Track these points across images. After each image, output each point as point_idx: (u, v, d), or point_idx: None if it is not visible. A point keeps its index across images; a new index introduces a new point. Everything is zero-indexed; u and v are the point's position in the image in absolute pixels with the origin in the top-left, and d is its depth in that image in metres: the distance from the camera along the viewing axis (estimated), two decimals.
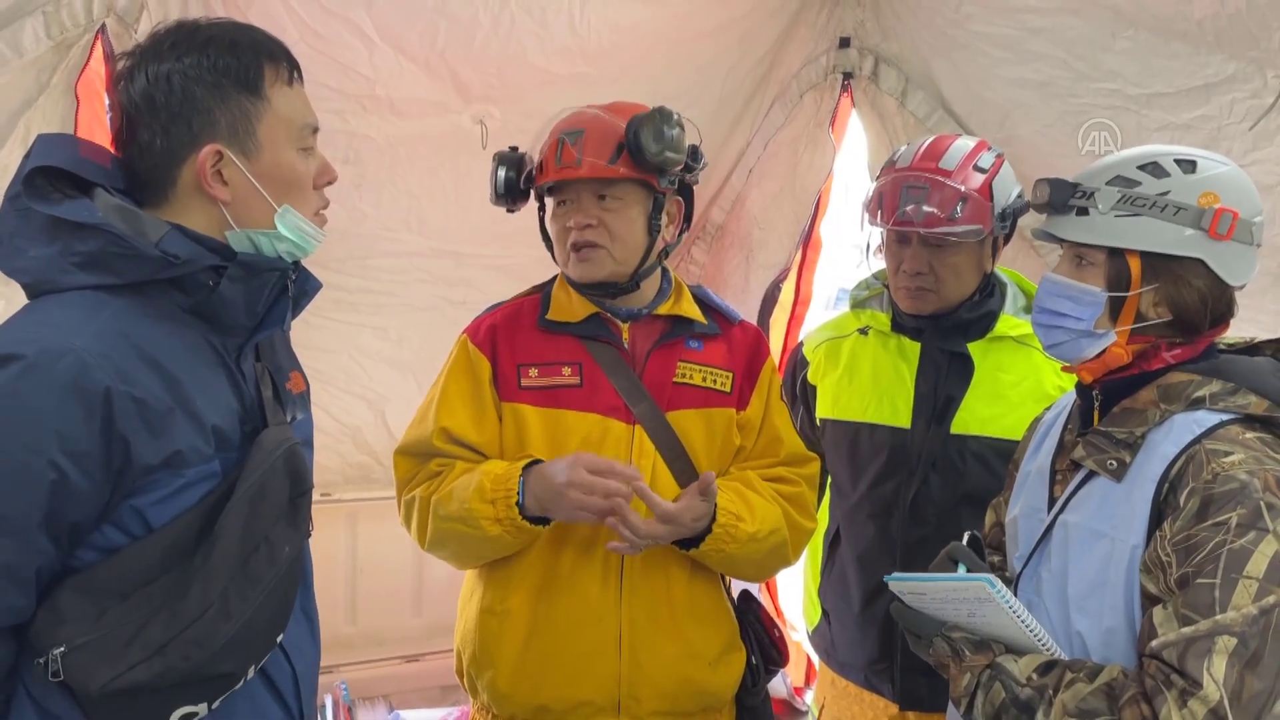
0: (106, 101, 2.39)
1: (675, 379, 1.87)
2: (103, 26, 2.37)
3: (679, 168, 1.82)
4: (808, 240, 3.33)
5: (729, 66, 3.09)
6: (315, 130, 1.43)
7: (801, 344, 2.32)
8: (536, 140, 1.91)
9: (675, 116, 1.81)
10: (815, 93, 3.15)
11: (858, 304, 2.25)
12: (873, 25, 3.02)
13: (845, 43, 3.06)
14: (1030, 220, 2.27)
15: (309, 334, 3.20)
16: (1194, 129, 2.52)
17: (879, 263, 2.19)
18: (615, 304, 1.89)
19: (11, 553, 1.17)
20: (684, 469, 1.85)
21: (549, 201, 1.91)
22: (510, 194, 1.90)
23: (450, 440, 1.83)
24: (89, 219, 1.25)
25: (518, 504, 1.72)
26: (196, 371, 1.30)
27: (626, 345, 1.88)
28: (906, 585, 1.53)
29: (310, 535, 1.48)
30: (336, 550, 3.53)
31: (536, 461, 1.77)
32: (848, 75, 3.09)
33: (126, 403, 1.20)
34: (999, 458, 2.01)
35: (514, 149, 1.92)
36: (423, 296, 3.36)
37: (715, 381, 1.89)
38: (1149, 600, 1.34)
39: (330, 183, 1.46)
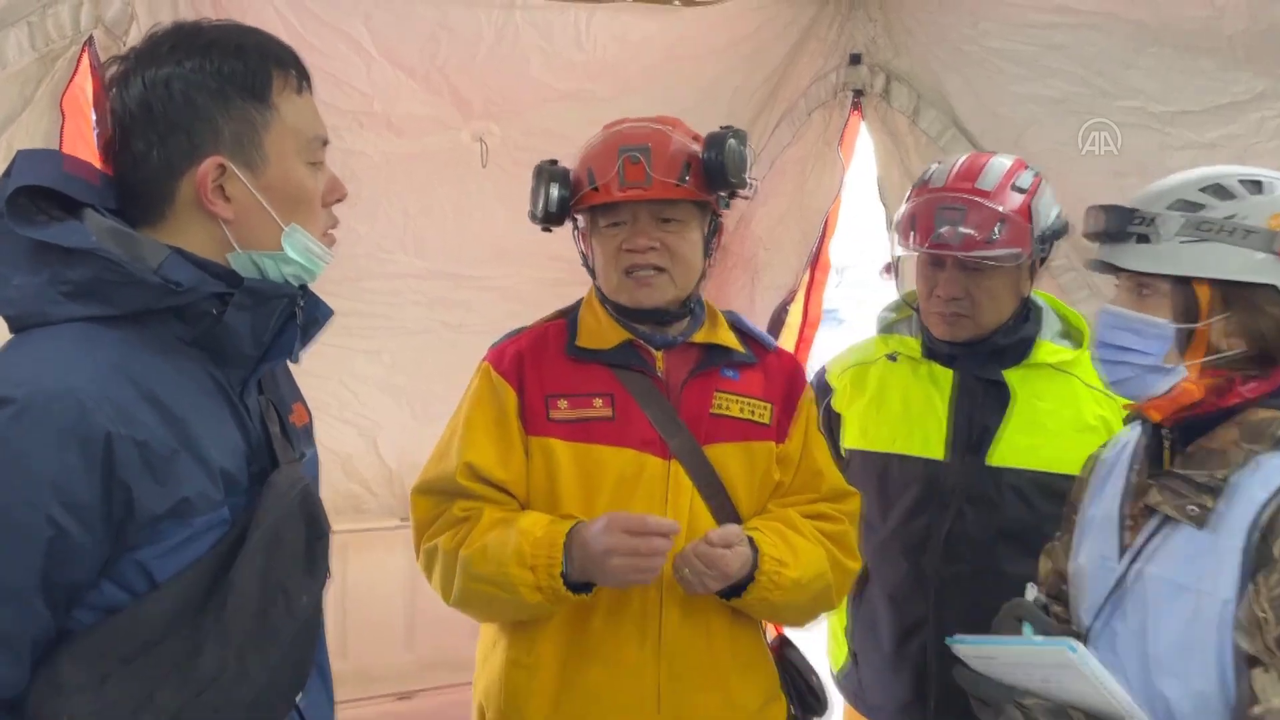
0: (94, 116, 2.27)
1: (712, 410, 1.78)
2: (90, 38, 2.26)
3: (746, 190, 1.75)
4: (815, 261, 3.24)
5: (736, 84, 3.01)
6: (325, 143, 1.32)
7: (825, 369, 2.22)
8: (586, 154, 1.79)
9: (747, 136, 1.74)
10: (824, 110, 3.06)
11: (885, 328, 2.16)
12: (884, 42, 2.95)
13: (856, 59, 2.99)
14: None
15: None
16: (1220, 147, 2.45)
17: (893, 282, 2.10)
18: (649, 330, 1.78)
19: (7, 621, 1.05)
20: (723, 507, 1.74)
21: (587, 219, 1.81)
22: (560, 212, 1.79)
23: (476, 478, 1.73)
24: (80, 243, 1.13)
25: (562, 573, 1.61)
26: (201, 409, 1.19)
27: (661, 374, 1.78)
28: (973, 649, 1.42)
29: (328, 582, 1.37)
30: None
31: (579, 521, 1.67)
32: (858, 92, 3.01)
33: (129, 448, 1.09)
34: (1038, 491, 1.92)
35: (554, 162, 1.81)
36: (417, 319, 3.25)
37: (754, 413, 1.80)
38: (1246, 661, 1.24)
39: (339, 199, 1.36)
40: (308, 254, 1.27)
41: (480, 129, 2.93)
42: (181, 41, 1.21)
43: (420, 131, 2.86)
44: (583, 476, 1.72)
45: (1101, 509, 1.50)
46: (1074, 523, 1.58)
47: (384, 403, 3.33)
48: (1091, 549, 1.49)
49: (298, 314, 1.30)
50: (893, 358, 2.10)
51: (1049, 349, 1.99)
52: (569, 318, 1.86)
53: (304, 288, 1.31)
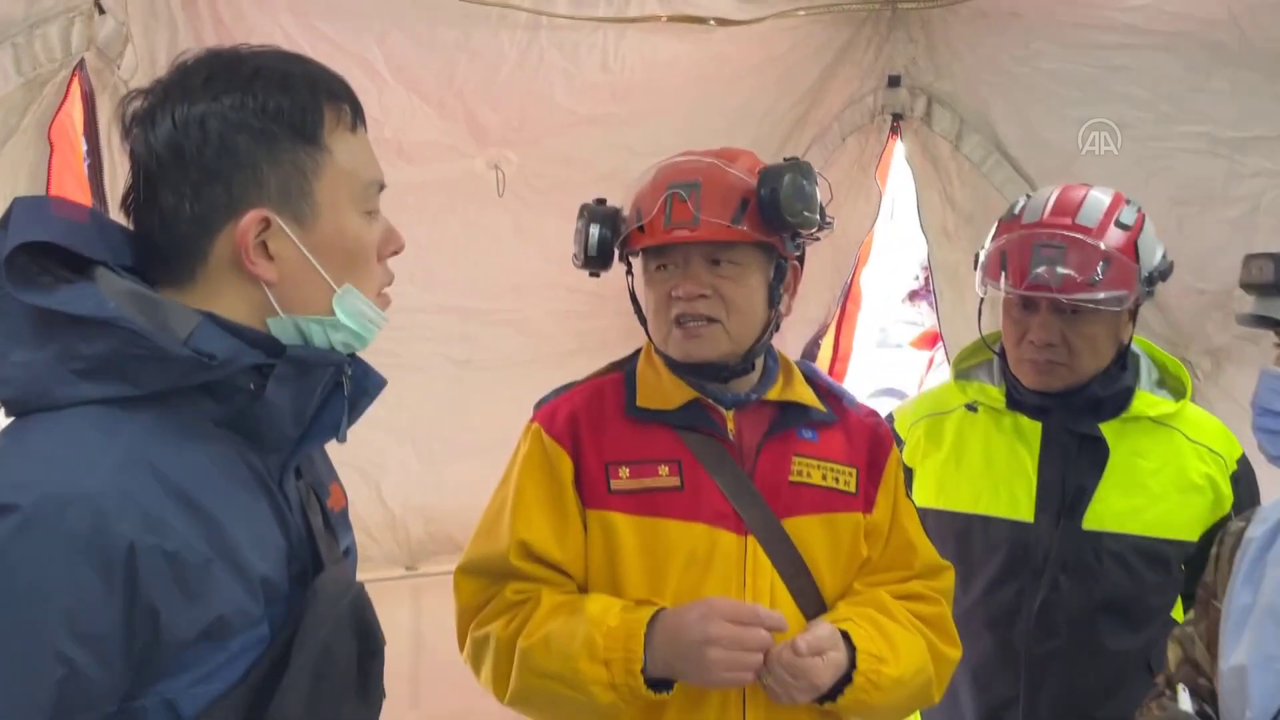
0: (85, 147, 2.07)
1: (791, 477, 1.59)
2: (81, 62, 2.05)
3: (812, 230, 1.55)
4: (847, 293, 3.08)
5: (766, 107, 2.84)
6: (382, 187, 1.13)
7: (892, 418, 2.04)
8: (635, 191, 1.61)
9: (814, 171, 1.54)
10: (859, 135, 2.90)
11: (961, 374, 1.98)
12: (925, 63, 2.79)
13: (895, 81, 2.82)
14: None
15: None
16: None
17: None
18: (718, 388, 1.59)
19: None
20: (805, 589, 1.56)
21: (639, 262, 1.63)
22: (603, 256, 1.60)
23: (530, 557, 1.53)
24: (96, 311, 0.94)
25: (642, 669, 1.42)
26: (237, 504, 1.00)
27: (732, 437, 1.59)
28: None
29: (382, 706, 1.17)
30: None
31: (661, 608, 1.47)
32: (897, 116, 2.85)
33: (156, 560, 0.89)
34: (1141, 558, 1.76)
35: (601, 201, 1.63)
36: (423, 355, 3.04)
37: (837, 480, 1.61)
38: None
39: (396, 252, 1.18)
40: (361, 318, 1.09)
41: (496, 156, 2.75)
42: (219, 72, 1.02)
43: (433, 159, 2.68)
44: (648, 555, 1.53)
45: (1263, 600, 1.32)
46: (1215, 610, 1.40)
47: (387, 444, 3.10)
48: (1257, 646, 1.30)
49: (345, 385, 1.10)
50: (972, 408, 1.92)
51: (1148, 400, 1.82)
52: (625, 371, 1.67)
53: (353, 355, 1.12)
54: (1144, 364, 1.88)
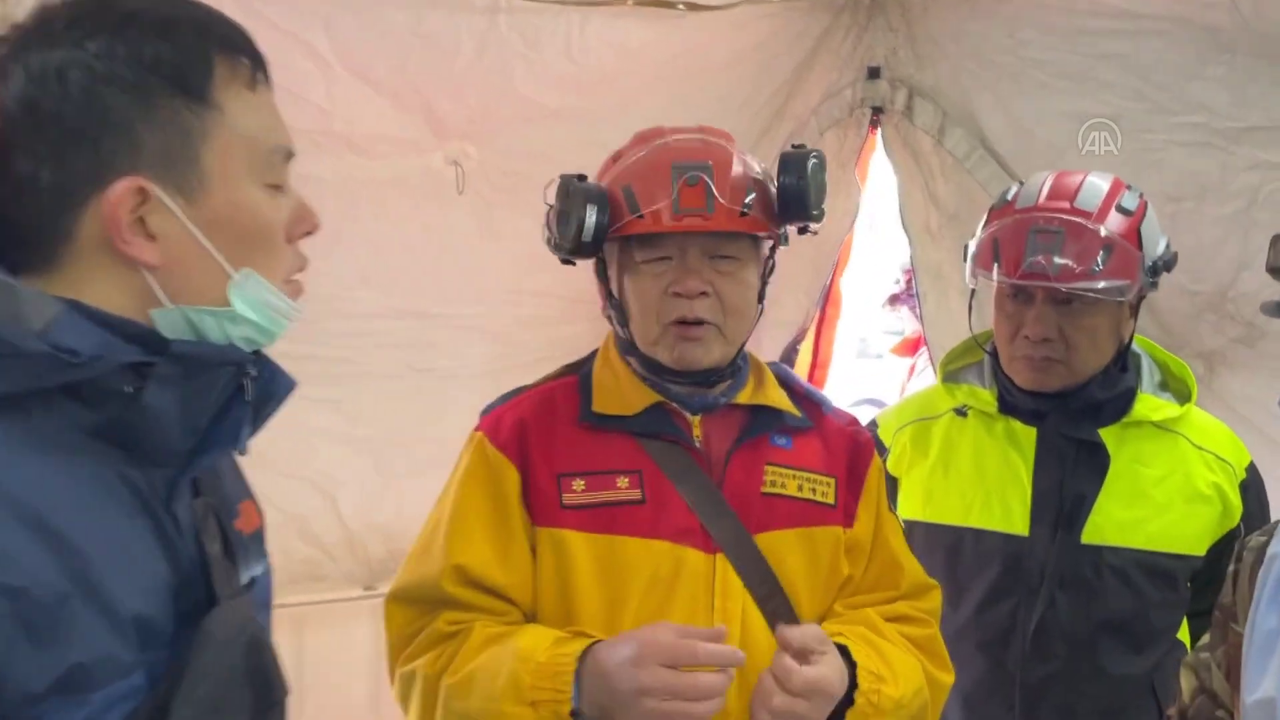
0: None
1: (764, 488, 1.44)
2: None
3: (816, 223, 1.44)
4: (826, 296, 2.94)
5: (742, 100, 2.71)
6: (289, 156, 0.98)
7: (875, 425, 1.90)
8: (623, 170, 1.45)
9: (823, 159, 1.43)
10: (838, 129, 2.77)
11: (950, 376, 1.84)
12: (907, 53, 2.67)
13: (875, 73, 2.70)
14: None
15: None
16: None
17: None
18: (684, 391, 1.45)
19: None
20: (780, 610, 1.41)
21: (615, 249, 1.46)
22: (597, 244, 1.43)
23: (467, 583, 1.38)
24: None
25: (572, 712, 1.26)
26: (107, 530, 0.84)
27: (699, 444, 1.44)
28: None
29: None
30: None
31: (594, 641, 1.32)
32: (877, 109, 2.72)
33: None
34: (1144, 574, 1.63)
35: (582, 177, 1.46)
36: (382, 363, 2.91)
37: (814, 491, 1.46)
38: None
39: (309, 233, 1.02)
40: (266, 309, 0.94)
41: (456, 151, 2.61)
42: (86, 14, 0.87)
43: (387, 154, 2.54)
44: (605, 577, 1.38)
45: None
46: (1235, 635, 1.26)
47: (344, 457, 2.98)
48: None
49: (246, 388, 0.95)
50: (961, 412, 1.79)
51: (1151, 403, 1.69)
52: (581, 374, 1.52)
53: (258, 353, 0.97)
54: (1145, 364, 1.75)
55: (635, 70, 2.56)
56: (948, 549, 1.74)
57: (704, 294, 1.38)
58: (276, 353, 3.18)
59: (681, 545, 1.39)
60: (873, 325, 4.22)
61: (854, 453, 1.52)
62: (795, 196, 1.38)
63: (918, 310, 2.88)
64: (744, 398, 1.47)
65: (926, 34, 2.63)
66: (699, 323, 1.38)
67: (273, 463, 2.77)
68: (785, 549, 1.42)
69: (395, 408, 2.89)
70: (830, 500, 1.47)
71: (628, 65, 2.54)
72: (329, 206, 2.60)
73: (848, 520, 1.48)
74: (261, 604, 1.03)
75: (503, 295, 2.82)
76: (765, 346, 2.99)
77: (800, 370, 3.00)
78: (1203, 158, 2.34)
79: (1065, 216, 1.61)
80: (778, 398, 1.49)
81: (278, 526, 3.04)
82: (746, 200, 1.36)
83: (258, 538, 1.05)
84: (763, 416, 1.47)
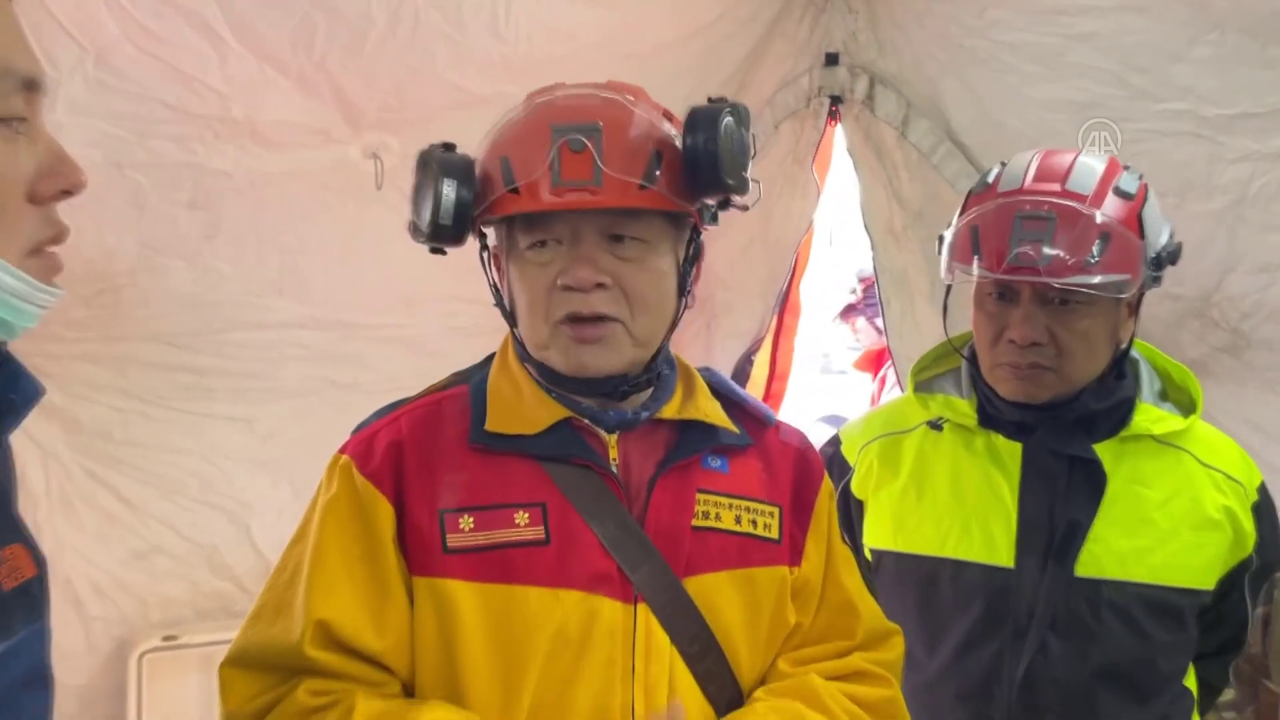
0: None
1: (695, 522, 1.20)
2: None
3: (740, 195, 1.17)
4: (784, 303, 2.73)
5: (690, 89, 2.48)
6: (33, 86, 0.74)
7: (838, 440, 1.67)
8: (500, 136, 1.22)
9: (748, 113, 1.17)
10: (794, 121, 2.56)
11: (922, 386, 1.62)
12: (867, 38, 2.47)
13: (832, 59, 2.50)
14: None
15: (147, 429, 2.55)
16: None
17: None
18: (596, 405, 1.21)
19: None
20: (716, 672, 1.17)
21: (500, 235, 1.23)
22: (459, 226, 1.19)
23: (333, 646, 1.12)
24: None
25: None
26: None
27: (615, 470, 1.20)
28: None
29: None
30: (187, 712, 2.74)
31: None
32: (835, 99, 2.51)
33: None
34: (1148, 613, 1.42)
35: (449, 146, 1.23)
36: (298, 378, 2.70)
37: (755, 524, 1.22)
38: None
39: (69, 192, 0.78)
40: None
41: (374, 143, 2.39)
42: None
43: (296, 144, 2.31)
44: (499, 637, 1.13)
45: None
46: (1270, 694, 1.04)
47: (258, 481, 2.77)
48: None
49: None
50: (936, 426, 1.57)
51: (1152, 415, 1.48)
52: (473, 384, 1.27)
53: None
54: (1144, 371, 1.54)
55: (569, 55, 2.34)
56: (921, 583, 1.51)
57: (601, 285, 1.14)
58: (184, 368, 2.91)
59: (595, 595, 1.14)
60: (837, 338, 3.99)
61: (801, 475, 1.28)
62: (704, 161, 1.11)
63: (880, 320, 2.66)
64: (670, 412, 1.23)
65: (889, 16, 2.43)
66: (598, 319, 1.14)
67: (182, 488, 2.65)
68: (720, 595, 1.18)
69: (313, 427, 2.59)
70: (773, 534, 1.23)
71: (561, 49, 2.32)
72: (234, 203, 2.43)
73: (794, 558, 1.24)
74: (31, 677, 0.78)
75: (432, 302, 2.63)
76: (718, 358, 2.78)
77: (756, 384, 2.78)
78: (1188, 148, 2.16)
79: (1056, 200, 1.40)
80: (710, 410, 1.25)
81: (187, 557, 2.81)
82: (648, 169, 1.12)
83: (27, 592, 0.80)
84: (693, 434, 1.23)
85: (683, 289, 1.21)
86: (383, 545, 1.14)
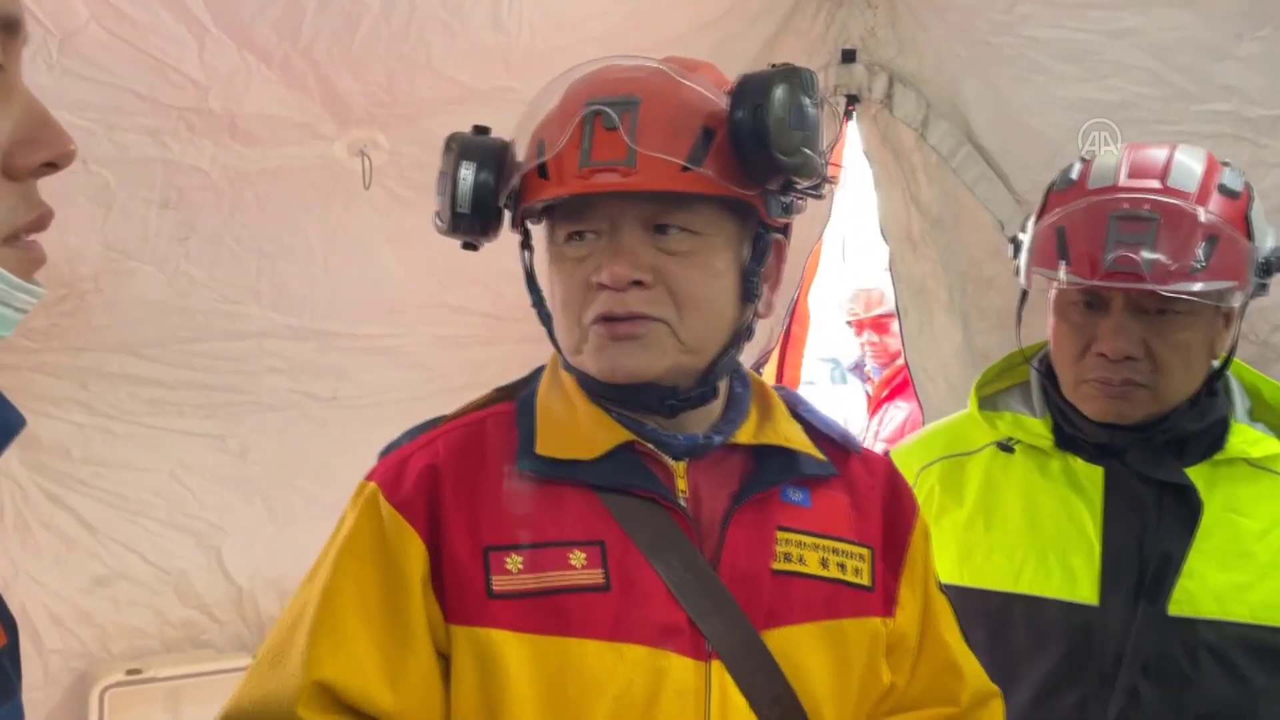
0: None
1: (775, 565, 1.05)
2: None
3: (812, 181, 1.02)
4: (793, 313, 2.61)
5: None
6: (12, 28, 0.60)
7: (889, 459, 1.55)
8: (532, 114, 1.07)
9: (817, 80, 1.02)
10: None
11: (987, 402, 1.49)
12: (886, 34, 2.35)
13: (849, 56, 2.38)
14: None
15: (110, 446, 2.43)
16: None
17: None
18: (663, 426, 1.06)
19: None
20: None
21: (541, 230, 1.09)
22: (481, 215, 1.05)
23: (333, 709, 0.97)
24: None
25: None
26: None
27: (684, 503, 1.05)
28: None
29: None
30: None
31: None
32: (852, 98, 2.40)
33: None
34: (1249, 656, 1.31)
35: (483, 130, 1.08)
36: (274, 391, 2.58)
37: (843, 568, 1.08)
38: None
39: (54, 165, 0.65)
40: None
41: (361, 139, 2.25)
42: None
43: (278, 140, 2.17)
44: (552, 698, 0.98)
45: None
46: None
47: (230, 501, 2.65)
48: None
49: None
50: (1006, 447, 1.44)
51: (1249, 436, 1.37)
52: (519, 400, 1.12)
53: None
54: (1234, 388, 1.43)
55: (573, 47, 2.19)
56: (992, 622, 1.38)
57: (641, 283, 1.00)
58: (152, 381, 2.74)
59: (662, 650, 0.99)
60: (847, 348, 3.85)
61: (892, 510, 1.14)
62: (750, 135, 0.97)
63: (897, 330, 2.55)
64: (745, 436, 1.08)
65: (910, 11, 2.31)
66: (635, 319, 1.00)
67: (148, 509, 2.54)
68: (805, 651, 1.04)
69: (289, 444, 2.57)
70: (865, 580, 1.09)
71: (564, 41, 2.19)
72: (209, 203, 2.26)
73: (888, 608, 1.11)
74: None
75: (418, 311, 2.51)
76: None
77: None
78: (1227, 151, 2.01)
79: (1158, 199, 1.28)
80: (792, 435, 1.10)
81: (153, 584, 2.65)
82: (694, 148, 0.98)
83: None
84: (771, 462, 1.09)
85: (749, 293, 1.06)
86: (408, 587, 1.00)
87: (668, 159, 0.97)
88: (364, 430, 2.62)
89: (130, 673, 2.53)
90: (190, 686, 2.61)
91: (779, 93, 0.97)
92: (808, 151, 0.99)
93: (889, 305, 2.83)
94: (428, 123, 2.24)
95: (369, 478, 1.07)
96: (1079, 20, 2.07)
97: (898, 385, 3.09)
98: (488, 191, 1.04)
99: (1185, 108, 2.06)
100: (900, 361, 3.01)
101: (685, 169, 0.98)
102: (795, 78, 0.99)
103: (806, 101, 0.99)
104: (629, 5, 2.20)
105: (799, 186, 1.03)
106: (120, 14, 1.84)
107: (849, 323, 3.35)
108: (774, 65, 1.02)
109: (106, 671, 2.50)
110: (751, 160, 0.98)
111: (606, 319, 1.00)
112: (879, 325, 3.06)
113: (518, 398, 1.12)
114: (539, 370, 1.15)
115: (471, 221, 1.06)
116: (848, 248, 3.23)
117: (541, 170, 1.02)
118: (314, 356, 2.53)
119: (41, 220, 0.64)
